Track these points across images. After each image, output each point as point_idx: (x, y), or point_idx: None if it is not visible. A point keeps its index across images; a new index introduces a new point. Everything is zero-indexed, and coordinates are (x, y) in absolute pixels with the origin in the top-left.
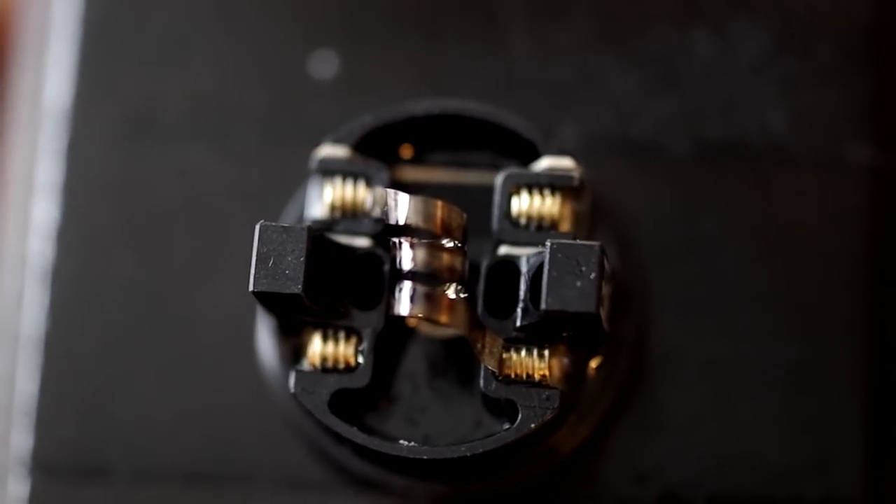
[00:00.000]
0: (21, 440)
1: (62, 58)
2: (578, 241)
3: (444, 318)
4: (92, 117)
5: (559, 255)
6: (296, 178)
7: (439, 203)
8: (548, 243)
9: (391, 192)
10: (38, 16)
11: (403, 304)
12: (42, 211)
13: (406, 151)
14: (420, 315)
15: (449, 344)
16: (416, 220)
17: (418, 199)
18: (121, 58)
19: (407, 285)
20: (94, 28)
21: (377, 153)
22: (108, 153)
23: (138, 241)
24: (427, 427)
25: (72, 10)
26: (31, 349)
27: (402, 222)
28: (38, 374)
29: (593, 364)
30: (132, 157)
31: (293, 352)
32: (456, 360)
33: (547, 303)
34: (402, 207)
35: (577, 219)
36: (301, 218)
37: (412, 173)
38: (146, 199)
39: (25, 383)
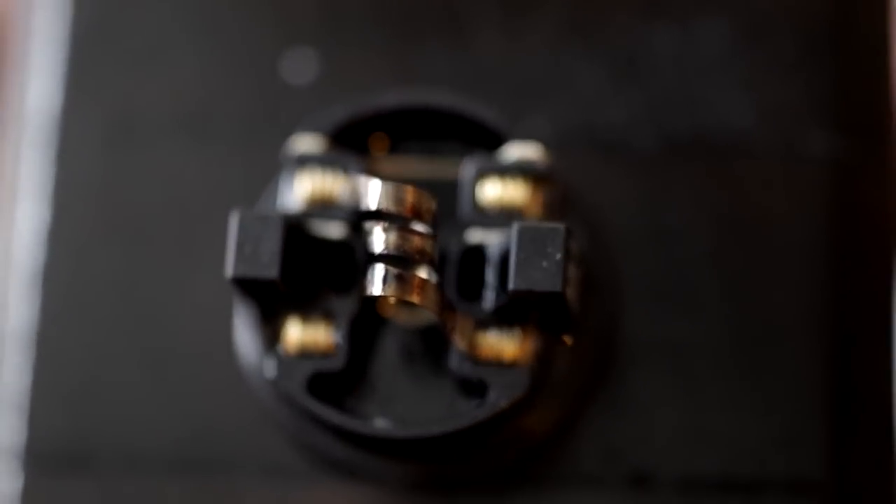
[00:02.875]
0: (8, 431)
1: (47, 63)
2: (544, 224)
3: (415, 299)
4: (77, 121)
5: (525, 237)
6: (274, 175)
7: (410, 188)
8: (514, 225)
9: (363, 178)
10: (23, 22)
11: (376, 285)
12: (29, 213)
13: (378, 142)
14: (392, 295)
15: (422, 331)
16: (387, 205)
17: (389, 185)
18: (105, 62)
19: (379, 267)
20: (78, 33)
21: (350, 144)
22: (94, 156)
23: (123, 240)
24: (402, 409)
25: (56, 17)
26: (18, 344)
27: (374, 207)
28: (25, 368)
29: (563, 346)
30: (117, 160)
31: (271, 339)
32: (430, 345)
33: (514, 283)
34: (373, 193)
35: (545, 206)
36: (276, 207)
37: (385, 163)
38: (130, 200)
39: (13, 376)
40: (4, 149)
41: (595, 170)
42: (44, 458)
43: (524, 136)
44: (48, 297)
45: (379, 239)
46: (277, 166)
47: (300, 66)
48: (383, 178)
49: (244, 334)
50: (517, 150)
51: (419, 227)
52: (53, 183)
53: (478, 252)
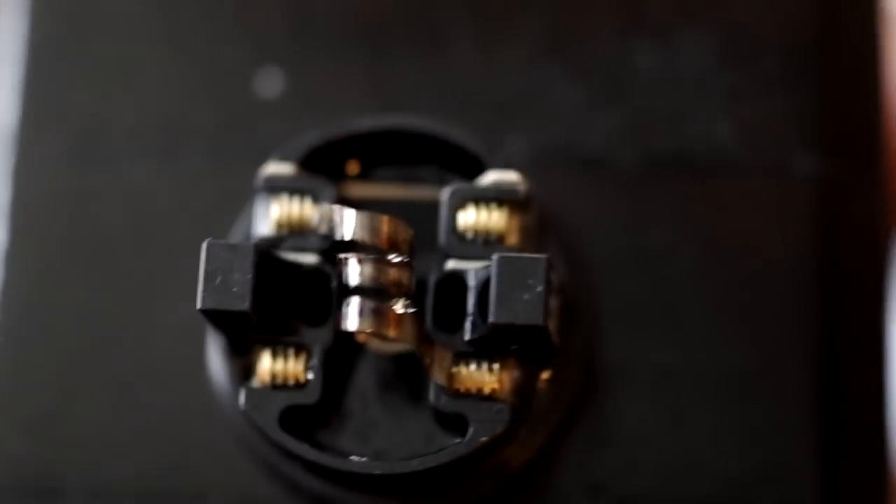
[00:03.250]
0: None
1: (7, 79)
2: (525, 255)
3: (392, 333)
4: (39, 138)
5: (506, 269)
6: (244, 197)
7: (385, 218)
8: (494, 257)
9: (337, 208)
10: None
11: (351, 319)
12: None
13: (352, 167)
14: (368, 330)
15: (399, 359)
16: (362, 235)
17: (364, 215)
18: (67, 78)
19: (355, 300)
20: (39, 49)
21: (323, 170)
22: (56, 174)
23: (87, 261)
24: (379, 442)
25: (16, 31)
26: None
27: (348, 237)
28: None
29: (544, 377)
30: (80, 178)
31: (243, 370)
32: (406, 376)
33: (495, 316)
34: (348, 223)
35: (524, 232)
36: (248, 236)
37: (359, 189)
38: (94, 220)
39: None
40: None
41: (574, 190)
42: (7, 489)
43: (502, 156)
44: (12, 320)
45: (354, 271)
46: (247, 186)
47: (270, 83)
48: (357, 204)
49: (216, 362)
50: (496, 176)
51: (395, 257)
52: (14, 202)
53: (455, 280)
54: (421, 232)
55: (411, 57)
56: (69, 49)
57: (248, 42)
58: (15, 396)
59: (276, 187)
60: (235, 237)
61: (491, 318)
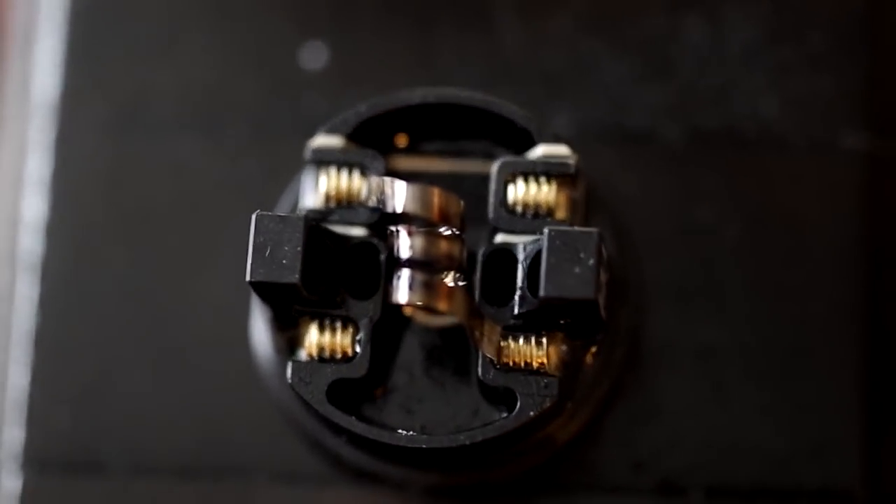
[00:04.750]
0: (14, 434)
1: (50, 50)
2: (576, 228)
3: (442, 306)
4: (81, 110)
5: (557, 242)
6: (287, 170)
7: (436, 190)
8: (546, 230)
9: (388, 180)
10: (24, 8)
11: (402, 292)
12: (32, 205)
13: (400, 141)
14: (419, 303)
15: (444, 333)
16: (413, 208)
17: (416, 187)
18: (109, 50)
19: (405, 273)
20: (81, 20)
21: (371, 143)
22: (98, 146)
23: (129, 234)
24: (424, 416)
25: (59, 2)
26: (22, 343)
27: (399, 210)
28: (30, 368)
29: (590, 352)
30: (122, 151)
31: (288, 343)
32: (451, 349)
33: (546, 290)
34: (399, 195)
35: (572, 207)
36: (295, 208)
37: (407, 162)
38: (136, 193)
39: (17, 377)
40: (7, 141)
41: (620, 165)
42: (51, 463)
43: (549, 131)
44: (54, 294)
45: (405, 244)
46: (289, 159)
47: (314, 56)
48: (405, 177)
49: (261, 335)
50: (546, 150)
51: (446, 230)
52: (55, 174)
53: (504, 253)
54: (468, 206)
55: (455, 30)
56: (111, 20)
57: (293, 14)
58: (57, 370)
59: (324, 160)
60: (282, 210)
61: (542, 292)
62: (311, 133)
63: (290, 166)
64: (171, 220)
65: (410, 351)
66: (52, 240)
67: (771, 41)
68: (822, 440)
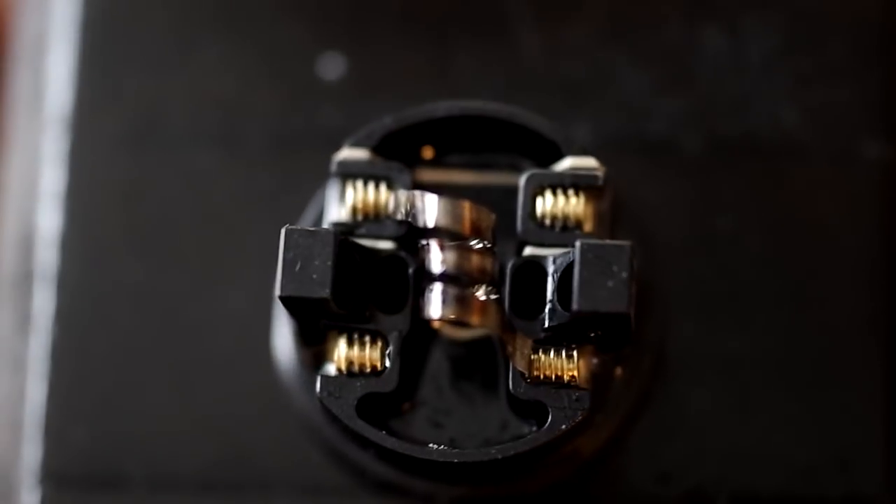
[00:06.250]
0: (32, 450)
1: (63, 61)
2: (609, 241)
3: (475, 320)
4: (95, 122)
5: (590, 255)
6: (304, 181)
7: (467, 204)
8: (577, 243)
9: (418, 193)
10: (36, 18)
11: (434, 306)
12: (47, 219)
13: (426, 153)
14: (452, 317)
15: (470, 345)
16: (444, 222)
17: (447, 200)
18: (123, 61)
19: (437, 287)
20: (94, 30)
21: (397, 155)
22: (114, 158)
23: (146, 247)
24: (452, 430)
25: (71, 12)
26: (40, 358)
27: (430, 224)
28: (47, 383)
29: (620, 364)
30: (138, 162)
31: (314, 356)
32: (477, 362)
33: (578, 303)
34: (430, 209)
35: (599, 219)
36: (321, 221)
37: (432, 175)
38: (152, 205)
39: (35, 393)
40: (20, 153)
41: (640, 175)
42: (70, 478)
43: (573, 142)
44: (70, 308)
45: (436, 258)
46: (306, 171)
47: (331, 67)
48: (431, 190)
49: (285, 348)
50: (574, 162)
51: (477, 244)
52: (70, 186)
53: (533, 266)
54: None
55: (474, 42)
56: (125, 30)
57: (310, 25)
58: (76, 385)
59: (350, 173)
60: (306, 223)
61: (574, 306)
62: (328, 144)
63: (308, 178)
64: (189, 233)
65: (437, 364)
66: (68, 253)
67: (790, 51)
68: (847, 449)
